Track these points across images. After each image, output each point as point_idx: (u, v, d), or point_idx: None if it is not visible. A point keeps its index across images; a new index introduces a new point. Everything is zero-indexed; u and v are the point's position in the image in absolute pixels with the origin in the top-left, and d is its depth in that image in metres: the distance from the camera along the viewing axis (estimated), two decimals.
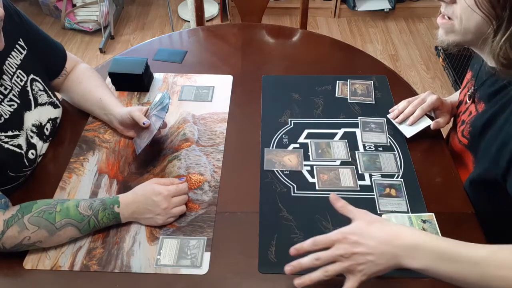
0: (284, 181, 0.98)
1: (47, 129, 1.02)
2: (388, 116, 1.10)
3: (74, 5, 2.79)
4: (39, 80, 1.01)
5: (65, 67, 1.10)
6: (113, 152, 1.04)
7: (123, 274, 0.82)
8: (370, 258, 0.68)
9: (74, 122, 1.12)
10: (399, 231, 0.69)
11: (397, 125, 1.07)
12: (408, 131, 1.06)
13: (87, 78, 1.11)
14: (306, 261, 0.71)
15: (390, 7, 2.89)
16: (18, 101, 0.93)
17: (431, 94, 1.07)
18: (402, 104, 1.09)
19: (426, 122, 1.05)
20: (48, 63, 1.05)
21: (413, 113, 1.06)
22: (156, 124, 0.97)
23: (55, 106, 1.05)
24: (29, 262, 0.83)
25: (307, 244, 0.72)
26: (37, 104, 0.99)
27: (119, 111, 1.04)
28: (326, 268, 0.70)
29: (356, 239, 0.69)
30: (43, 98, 1.01)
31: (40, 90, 1.00)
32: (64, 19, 2.78)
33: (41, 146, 1.00)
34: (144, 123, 0.97)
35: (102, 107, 1.06)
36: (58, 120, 1.07)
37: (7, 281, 0.82)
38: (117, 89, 1.21)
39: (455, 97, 1.13)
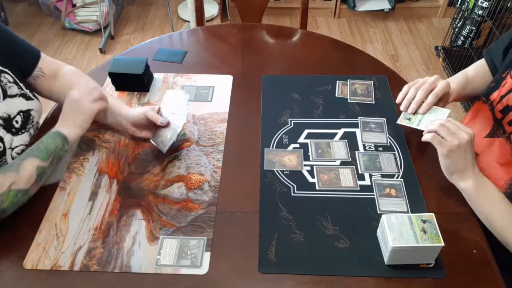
0: (284, 181, 0.98)
1: (16, 121, 0.98)
2: (401, 108, 1.02)
3: (74, 5, 2.79)
4: (8, 72, 0.98)
5: (39, 68, 1.06)
6: (113, 152, 1.04)
7: (123, 274, 0.82)
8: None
9: None
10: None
11: (417, 127, 0.98)
12: (431, 127, 0.93)
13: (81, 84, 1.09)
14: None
15: (390, 7, 2.89)
16: None
17: (439, 78, 1.03)
18: (410, 92, 1.02)
19: (443, 113, 0.99)
20: (17, 61, 1.02)
21: (422, 100, 1.00)
22: (180, 123, 0.98)
23: (27, 98, 1.02)
24: (29, 262, 0.84)
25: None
26: (6, 96, 0.96)
27: (128, 112, 1.04)
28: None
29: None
30: (13, 90, 0.98)
31: (9, 81, 0.98)
32: (64, 19, 2.78)
33: (11, 139, 0.96)
34: (162, 122, 0.99)
35: (109, 111, 1.05)
36: (32, 113, 1.03)
37: (7, 281, 0.82)
38: (117, 89, 1.21)
39: (458, 80, 1.10)
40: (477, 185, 0.87)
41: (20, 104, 1.00)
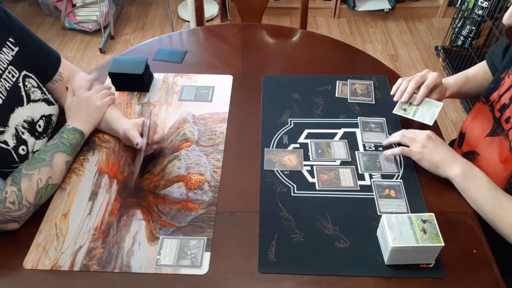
0: (284, 181, 0.98)
1: (39, 125, 1.00)
2: (394, 99, 1.06)
3: (74, 5, 2.79)
4: (33, 76, 0.99)
5: (59, 72, 1.07)
6: (113, 152, 1.04)
7: (123, 274, 0.82)
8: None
9: None
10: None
11: (412, 118, 1.03)
12: (427, 119, 1.03)
13: None
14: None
15: (390, 7, 2.89)
16: (3, 97, 0.91)
17: (430, 71, 1.06)
18: (403, 84, 1.06)
19: (437, 105, 1.04)
20: (40, 65, 1.03)
21: (414, 91, 1.05)
22: (142, 152, 0.95)
23: (49, 103, 1.04)
24: (29, 262, 0.84)
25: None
26: (29, 100, 0.98)
27: (118, 127, 1.02)
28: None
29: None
30: (36, 94, 1.00)
31: (33, 86, 0.99)
32: (64, 19, 2.78)
33: (33, 143, 0.97)
34: (137, 144, 0.95)
35: (104, 122, 1.06)
36: (53, 118, 1.05)
37: (7, 281, 0.82)
38: (117, 89, 1.21)
39: (457, 77, 1.13)
40: (463, 171, 0.91)
41: (43, 108, 1.02)
